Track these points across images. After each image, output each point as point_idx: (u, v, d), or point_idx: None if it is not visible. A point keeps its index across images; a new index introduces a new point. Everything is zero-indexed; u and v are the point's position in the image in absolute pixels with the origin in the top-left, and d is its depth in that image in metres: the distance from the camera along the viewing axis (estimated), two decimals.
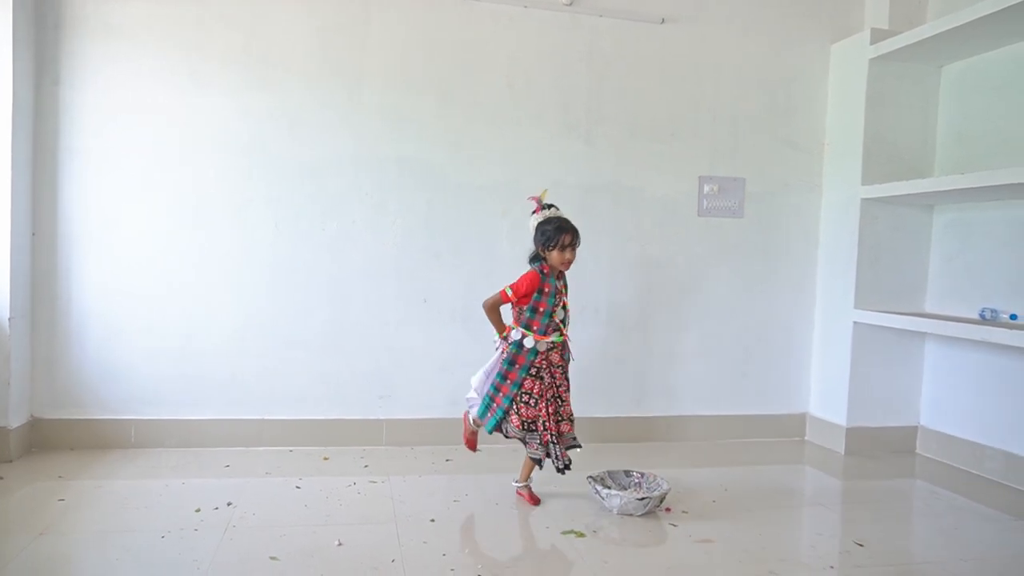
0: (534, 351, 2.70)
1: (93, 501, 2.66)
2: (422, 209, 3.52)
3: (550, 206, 2.78)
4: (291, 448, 3.41)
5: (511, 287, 2.72)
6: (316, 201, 3.42)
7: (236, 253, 3.37)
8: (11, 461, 3.04)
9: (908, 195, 3.43)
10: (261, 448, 3.39)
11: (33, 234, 3.20)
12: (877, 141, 3.64)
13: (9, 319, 3.03)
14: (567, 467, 2.73)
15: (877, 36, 3.60)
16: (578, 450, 2.82)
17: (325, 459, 3.29)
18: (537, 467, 2.79)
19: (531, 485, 2.84)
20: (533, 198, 2.81)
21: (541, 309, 2.70)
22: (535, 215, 2.77)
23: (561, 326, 2.75)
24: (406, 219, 3.51)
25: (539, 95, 3.61)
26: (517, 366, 2.72)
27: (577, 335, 3.62)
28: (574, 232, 2.72)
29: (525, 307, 2.72)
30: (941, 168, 3.70)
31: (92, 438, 3.27)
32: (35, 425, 3.24)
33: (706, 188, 3.80)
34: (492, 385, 2.78)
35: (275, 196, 3.38)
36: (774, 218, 3.90)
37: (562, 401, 2.78)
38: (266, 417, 3.42)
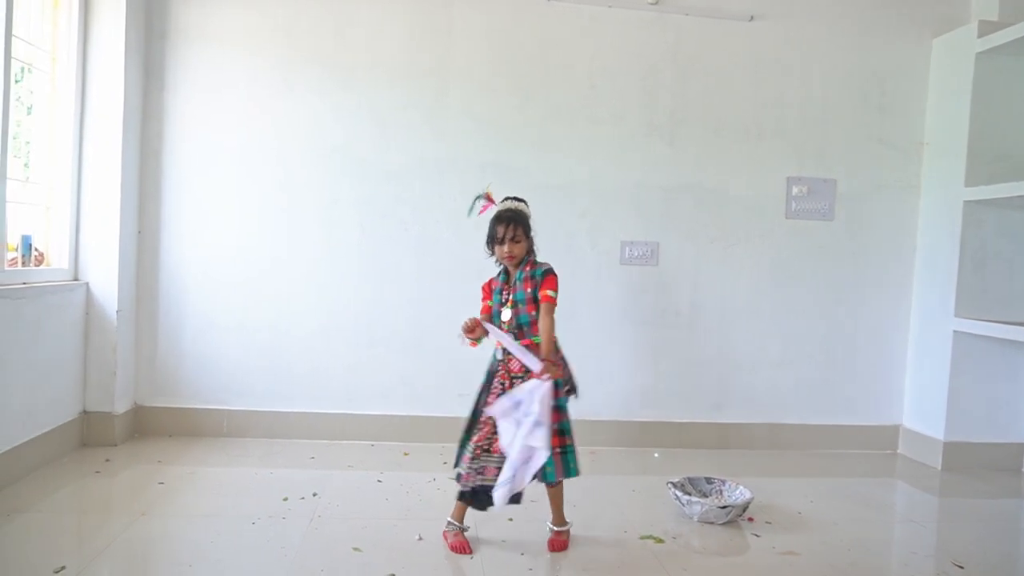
0: (493, 358, 2.39)
1: (189, 485, 2.81)
2: None
3: (510, 198, 2.39)
4: (373, 443, 3.50)
5: None
6: (401, 202, 3.50)
7: (323, 252, 3.49)
8: (116, 445, 3.24)
9: (1016, 197, 3.22)
10: (344, 441, 3.49)
11: (139, 232, 3.40)
12: (983, 140, 3.44)
13: (117, 312, 3.23)
14: (467, 496, 2.29)
15: (985, 29, 3.40)
16: (498, 503, 2.17)
17: (405, 455, 3.36)
18: (469, 505, 2.35)
19: (463, 528, 2.37)
20: (488, 199, 2.40)
21: (495, 310, 2.39)
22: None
23: (516, 328, 2.32)
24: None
25: (621, 95, 3.58)
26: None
27: (657, 337, 3.62)
28: (507, 222, 2.28)
29: None
30: None
31: (188, 426, 3.44)
32: (138, 412, 3.44)
33: (795, 189, 3.67)
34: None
35: (361, 197, 3.48)
36: (867, 221, 3.74)
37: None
38: (349, 412, 3.52)
